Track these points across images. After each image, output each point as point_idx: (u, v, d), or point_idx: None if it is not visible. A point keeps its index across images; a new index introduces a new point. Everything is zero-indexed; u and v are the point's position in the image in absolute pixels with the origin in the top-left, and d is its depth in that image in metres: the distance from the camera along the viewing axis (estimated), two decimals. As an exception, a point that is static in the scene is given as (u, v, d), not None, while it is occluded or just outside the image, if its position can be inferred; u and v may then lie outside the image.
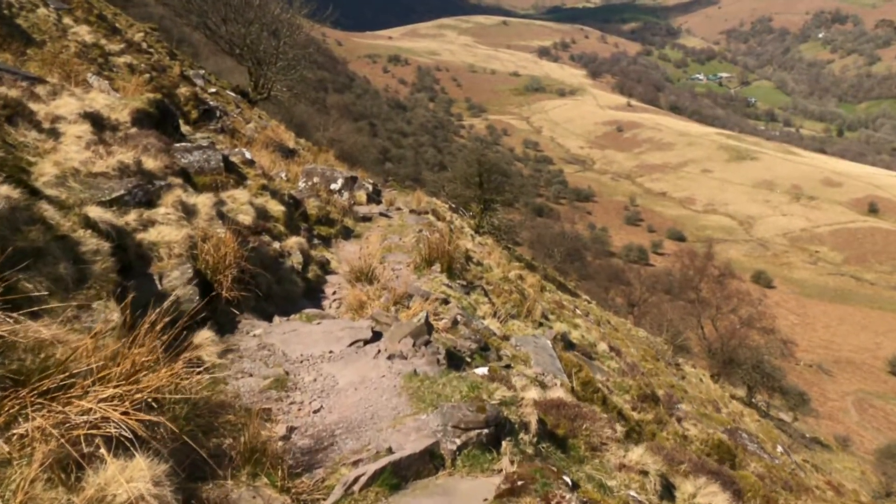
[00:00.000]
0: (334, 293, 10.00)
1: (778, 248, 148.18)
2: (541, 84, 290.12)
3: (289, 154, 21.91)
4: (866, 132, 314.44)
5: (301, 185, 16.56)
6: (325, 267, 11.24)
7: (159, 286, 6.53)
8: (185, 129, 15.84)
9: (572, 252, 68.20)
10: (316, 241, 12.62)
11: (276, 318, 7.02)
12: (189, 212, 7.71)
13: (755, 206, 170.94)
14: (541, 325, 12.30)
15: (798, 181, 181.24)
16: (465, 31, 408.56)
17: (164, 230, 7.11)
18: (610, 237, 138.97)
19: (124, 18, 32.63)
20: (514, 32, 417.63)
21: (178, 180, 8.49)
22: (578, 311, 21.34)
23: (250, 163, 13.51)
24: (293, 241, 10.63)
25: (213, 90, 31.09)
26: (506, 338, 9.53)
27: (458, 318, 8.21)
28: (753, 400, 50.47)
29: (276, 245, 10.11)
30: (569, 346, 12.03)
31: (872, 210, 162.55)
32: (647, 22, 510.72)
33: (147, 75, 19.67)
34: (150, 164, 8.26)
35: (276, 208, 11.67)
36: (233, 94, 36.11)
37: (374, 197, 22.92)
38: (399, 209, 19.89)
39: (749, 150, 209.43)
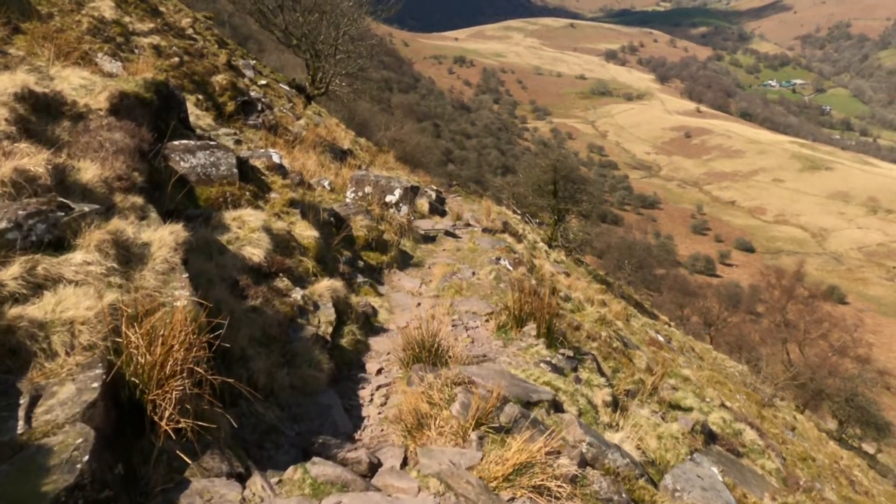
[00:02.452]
0: (380, 371, 6.62)
1: (853, 262, 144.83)
2: (607, 88, 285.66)
3: (341, 156, 18.74)
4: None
5: (349, 196, 13.25)
6: (369, 322, 7.87)
7: (25, 421, 3.27)
8: (206, 122, 12.68)
9: (644, 264, 63.82)
10: (360, 277, 9.27)
11: (257, 479, 3.64)
12: (132, 258, 4.44)
13: (829, 218, 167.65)
14: (671, 405, 8.80)
15: (875, 193, 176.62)
16: (532, 33, 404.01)
17: (68, 298, 3.85)
18: (675, 246, 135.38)
19: (174, 3, 30.08)
20: (581, 35, 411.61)
21: (137, 200, 5.22)
22: (682, 357, 17.67)
23: (279, 168, 10.27)
24: (324, 287, 7.30)
25: (262, 82, 28.20)
26: (651, 464, 6.08)
27: (585, 450, 4.79)
28: (843, 435, 45.85)
29: (297, 295, 6.79)
30: (709, 437, 8.50)
31: None
32: (719, 26, 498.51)
33: (176, 59, 16.67)
34: (87, 174, 5.02)
35: (305, 234, 8.37)
36: (287, 87, 33.25)
37: (437, 206, 19.54)
38: (468, 225, 16.50)
39: (823, 159, 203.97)
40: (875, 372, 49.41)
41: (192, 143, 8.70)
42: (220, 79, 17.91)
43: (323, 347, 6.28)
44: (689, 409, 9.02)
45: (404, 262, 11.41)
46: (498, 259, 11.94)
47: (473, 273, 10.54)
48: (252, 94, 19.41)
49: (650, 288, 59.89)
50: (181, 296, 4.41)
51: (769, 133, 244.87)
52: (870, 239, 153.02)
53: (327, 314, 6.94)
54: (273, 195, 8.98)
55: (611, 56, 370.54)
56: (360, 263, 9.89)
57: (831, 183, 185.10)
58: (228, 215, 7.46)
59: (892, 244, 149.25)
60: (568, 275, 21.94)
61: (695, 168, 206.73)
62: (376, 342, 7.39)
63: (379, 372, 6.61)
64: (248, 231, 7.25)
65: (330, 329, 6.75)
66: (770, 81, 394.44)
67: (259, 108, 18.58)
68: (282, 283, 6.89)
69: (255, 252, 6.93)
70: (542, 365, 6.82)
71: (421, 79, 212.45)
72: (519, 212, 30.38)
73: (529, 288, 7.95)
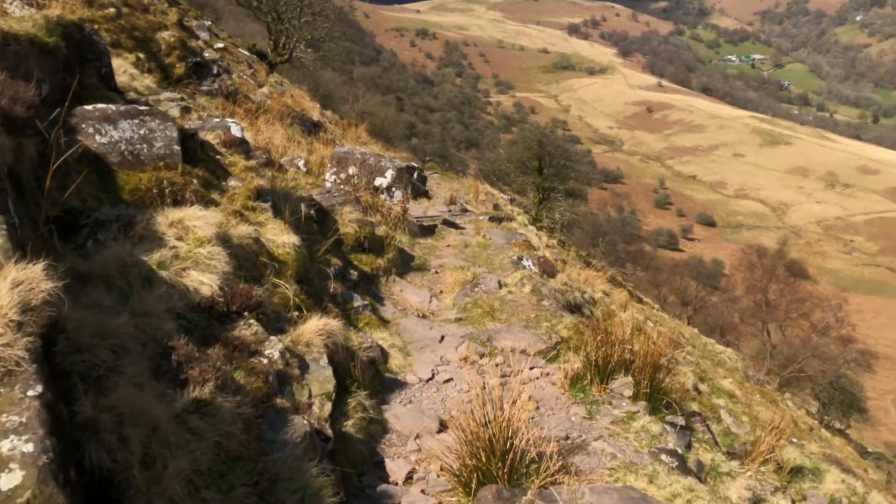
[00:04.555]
0: (410, 477, 4.07)
1: (811, 236, 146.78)
2: (570, 62, 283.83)
3: (312, 129, 15.94)
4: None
5: (329, 178, 10.53)
6: (379, 374, 5.28)
7: None
8: (144, 84, 9.83)
9: (616, 241, 61.89)
10: (357, 297, 6.64)
11: None
12: None
13: (788, 192, 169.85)
14: (790, 476, 6.43)
15: (833, 168, 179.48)
16: (494, 6, 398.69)
17: None
18: (639, 221, 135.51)
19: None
20: (543, 9, 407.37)
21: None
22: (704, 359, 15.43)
23: (240, 144, 7.52)
24: (313, 329, 4.68)
25: (219, 45, 25.09)
26: None
27: None
28: (826, 417, 44.63)
29: (274, 351, 4.15)
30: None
31: None
32: (680, 1, 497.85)
33: (112, 10, 13.69)
34: None
35: (280, 241, 5.71)
36: (247, 53, 30.14)
37: (419, 187, 16.84)
38: (465, 211, 13.88)
39: (783, 134, 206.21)
40: (857, 352, 48.36)
41: (112, 108, 5.95)
42: (166, 35, 14.95)
43: (319, 449, 3.71)
44: (801, 471, 6.67)
45: (404, 264, 8.80)
46: (520, 259, 9.39)
47: (500, 283, 7.95)
48: (206, 55, 16.47)
49: (626, 266, 58.15)
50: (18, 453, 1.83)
51: (730, 108, 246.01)
52: (828, 213, 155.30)
53: (322, 380, 4.32)
54: (233, 183, 6.28)
55: (573, 30, 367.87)
56: (353, 273, 7.24)
57: (790, 158, 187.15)
58: (164, 218, 4.77)
59: (849, 218, 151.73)
60: (565, 262, 19.56)
61: (657, 143, 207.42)
62: (396, 415, 4.81)
63: (409, 479, 4.05)
64: (193, 243, 4.59)
65: (328, 408, 4.15)
66: (730, 56, 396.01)
67: (215, 71, 15.66)
68: (248, 330, 4.26)
69: (205, 280, 4.29)
70: (663, 458, 4.34)
71: (383, 51, 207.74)
72: (504, 192, 27.90)
73: (618, 331, 5.44)
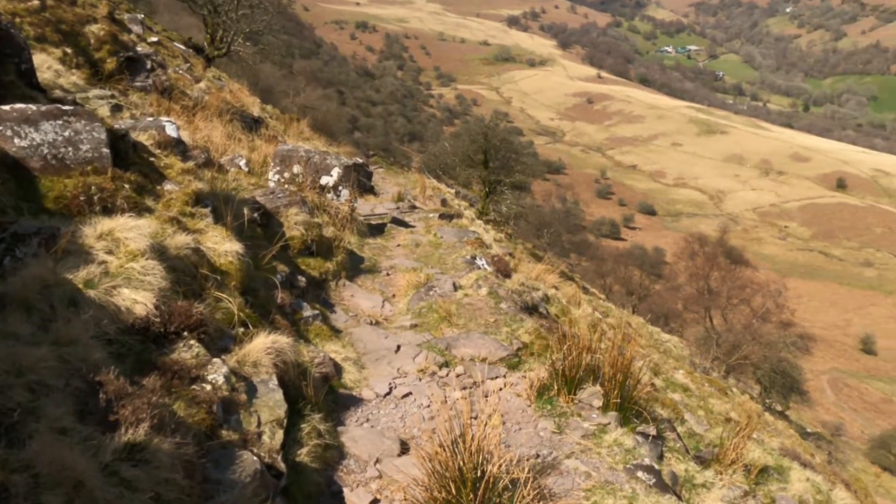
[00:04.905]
0: None
1: (748, 223, 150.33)
2: (510, 54, 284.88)
3: (253, 126, 15.36)
4: (832, 108, 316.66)
5: (272, 178, 10.05)
6: (332, 391, 4.91)
7: None
8: (71, 81, 9.22)
9: (560, 232, 62.19)
10: (306, 307, 6.25)
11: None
12: None
13: (725, 180, 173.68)
14: (757, 477, 6.26)
15: (767, 156, 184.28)
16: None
17: None
18: (582, 211, 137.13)
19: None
20: (483, 1, 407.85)
21: None
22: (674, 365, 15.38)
23: (177, 144, 7.01)
24: (261, 347, 4.28)
25: (153, 39, 24.17)
26: None
27: None
28: (767, 401, 45.61)
29: (218, 375, 3.74)
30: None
31: (840, 186, 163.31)
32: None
33: (35, 2, 12.91)
34: None
35: (223, 250, 5.28)
36: (183, 47, 29.15)
37: (365, 183, 16.40)
38: (413, 208, 13.51)
39: (719, 123, 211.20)
40: (797, 336, 49.50)
41: (33, 107, 5.44)
42: (96, 29, 14.18)
43: (271, 487, 3.34)
44: (767, 471, 6.54)
45: (354, 267, 8.41)
46: (473, 258, 9.07)
47: (455, 285, 7.61)
48: (140, 50, 15.72)
49: (571, 257, 58.47)
50: None
51: (667, 98, 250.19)
52: (763, 200, 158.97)
53: (272, 405, 3.93)
54: (169, 187, 5.82)
55: (513, 22, 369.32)
56: (301, 280, 6.83)
57: (726, 146, 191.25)
58: (92, 229, 4.32)
59: (783, 205, 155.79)
60: (513, 255, 19.35)
61: (597, 133, 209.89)
62: (354, 438, 4.42)
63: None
64: (125, 258, 4.15)
65: (279, 437, 3.77)
66: (666, 48, 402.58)
67: (149, 66, 14.95)
68: (188, 352, 3.85)
69: (139, 298, 3.87)
70: (639, 475, 4.08)
71: (323, 44, 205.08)
72: (451, 185, 27.56)
73: (585, 334, 5.16)
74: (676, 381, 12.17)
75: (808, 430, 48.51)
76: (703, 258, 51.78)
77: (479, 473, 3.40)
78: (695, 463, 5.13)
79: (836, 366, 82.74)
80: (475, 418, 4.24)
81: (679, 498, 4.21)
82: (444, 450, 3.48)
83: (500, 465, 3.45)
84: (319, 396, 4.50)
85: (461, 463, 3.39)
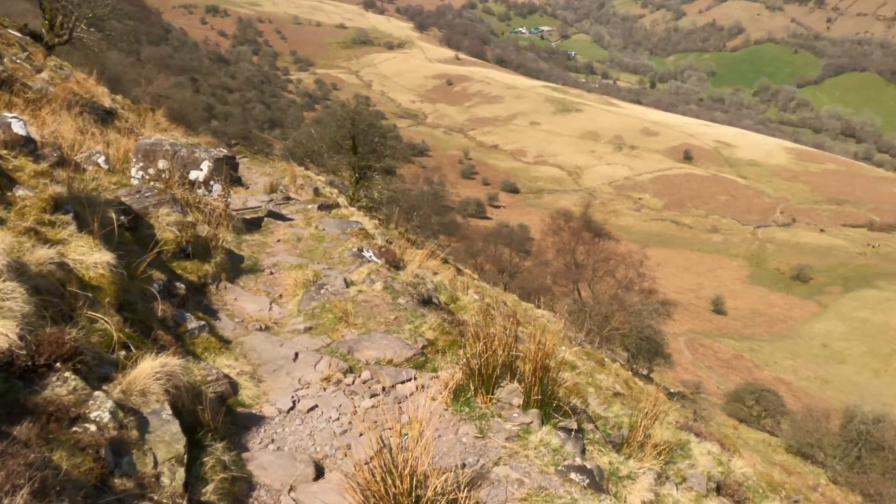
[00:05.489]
0: None
1: (605, 196, 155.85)
2: (368, 37, 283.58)
3: (106, 118, 14.21)
4: (676, 84, 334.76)
5: (135, 175, 9.23)
6: (231, 413, 4.43)
7: None
8: None
9: (429, 214, 62.29)
10: (190, 318, 5.69)
11: None
12: None
13: (582, 156, 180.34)
14: (669, 459, 6.24)
15: (619, 132, 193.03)
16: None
17: None
18: (447, 192, 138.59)
19: None
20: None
21: None
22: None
23: (26, 143, 6.19)
24: (148, 372, 3.74)
25: (-19, 27, 22.09)
26: None
27: None
28: (635, 366, 47.68)
29: (103, 412, 3.22)
30: (715, 489, 6.13)
31: (687, 157, 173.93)
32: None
33: None
34: None
35: (91, 261, 4.65)
36: (19, 34, 26.82)
37: (233, 175, 15.59)
38: (288, 199, 12.90)
39: (573, 102, 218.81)
40: (658, 303, 51.93)
41: None
42: (-86, 15, 12.69)
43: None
44: (671, 449, 6.57)
45: (234, 268, 7.82)
46: (360, 251, 8.67)
47: (346, 281, 7.19)
48: (-33, 37, 14.22)
49: (440, 238, 58.63)
50: None
51: (524, 78, 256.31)
52: (618, 174, 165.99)
53: (168, 439, 3.43)
54: (21, 193, 5.09)
55: (369, 5, 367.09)
56: (180, 286, 6.22)
57: (581, 124, 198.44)
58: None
59: (636, 178, 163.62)
60: (390, 242, 19.02)
61: (458, 115, 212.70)
62: (262, 465, 3.95)
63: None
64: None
65: (181, 477, 3.28)
66: (520, 28, 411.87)
67: (-21, 56, 13.56)
68: (64, 387, 3.30)
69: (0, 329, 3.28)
70: (573, 476, 3.86)
71: (172, 30, 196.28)
72: (320, 173, 26.82)
73: (502, 325, 4.90)
74: (566, 360, 12.23)
75: (672, 390, 51.11)
76: (568, 233, 53.27)
77: (414, 499, 3.09)
78: (617, 454, 5.02)
79: (691, 327, 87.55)
80: (404, 435, 3.91)
81: (614, 496, 4.06)
82: (374, 476, 3.13)
83: (437, 488, 3.15)
84: (218, 420, 4.02)
85: (397, 493, 3.06)
